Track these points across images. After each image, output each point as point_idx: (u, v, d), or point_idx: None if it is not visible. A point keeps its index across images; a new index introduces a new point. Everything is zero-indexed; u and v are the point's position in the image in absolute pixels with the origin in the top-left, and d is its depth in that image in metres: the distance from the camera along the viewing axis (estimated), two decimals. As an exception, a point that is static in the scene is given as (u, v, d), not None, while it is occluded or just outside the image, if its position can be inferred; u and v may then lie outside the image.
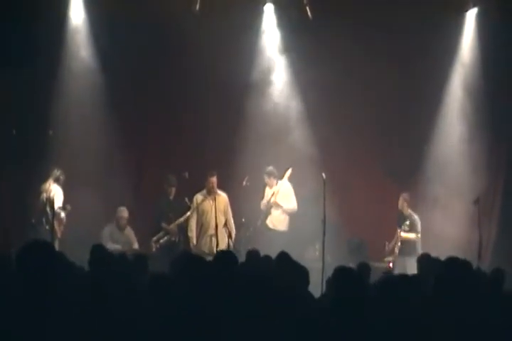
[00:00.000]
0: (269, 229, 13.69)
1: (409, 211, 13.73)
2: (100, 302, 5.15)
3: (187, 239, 13.31)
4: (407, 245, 13.30)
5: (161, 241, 13.50)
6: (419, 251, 12.78)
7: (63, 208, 12.98)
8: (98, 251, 8.69)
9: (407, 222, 13.49)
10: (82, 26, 14.08)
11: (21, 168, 13.57)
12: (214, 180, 13.12)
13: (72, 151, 13.34)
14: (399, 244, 13.41)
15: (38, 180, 13.39)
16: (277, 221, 13.77)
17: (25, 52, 13.19)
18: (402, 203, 13.71)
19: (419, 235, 13.51)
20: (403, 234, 13.45)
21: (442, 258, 8.56)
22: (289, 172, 13.64)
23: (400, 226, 13.53)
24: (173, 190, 13.68)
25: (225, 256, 6.76)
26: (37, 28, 13.16)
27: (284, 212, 13.75)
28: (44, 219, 13.03)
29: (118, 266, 7.78)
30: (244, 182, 13.53)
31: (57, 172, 13.21)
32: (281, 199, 13.73)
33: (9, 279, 4.60)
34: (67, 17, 14.01)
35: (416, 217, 13.68)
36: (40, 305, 4.13)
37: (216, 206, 12.77)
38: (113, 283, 5.70)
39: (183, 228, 13.54)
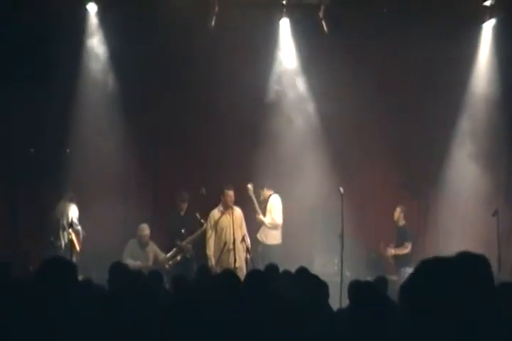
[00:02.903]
0: (260, 243, 13.64)
1: (404, 223, 13.85)
2: (116, 319, 5.13)
3: (205, 257, 13.08)
4: (400, 258, 13.44)
5: (177, 258, 13.44)
6: (413, 260, 13.04)
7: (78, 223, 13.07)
8: (117, 268, 8.71)
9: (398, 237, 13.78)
10: (98, 45, 14.10)
11: (39, 185, 13.64)
12: (231, 193, 12.92)
13: (90, 169, 13.35)
14: (390, 260, 13.57)
15: (55, 197, 13.44)
16: (264, 234, 13.69)
17: (42, 71, 13.28)
18: (399, 215, 13.76)
19: (410, 247, 13.59)
20: (393, 251, 13.59)
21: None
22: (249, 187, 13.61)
23: (395, 240, 13.72)
24: (185, 205, 13.64)
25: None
26: (53, 47, 13.25)
27: (266, 226, 13.72)
28: (61, 234, 13.11)
29: (135, 283, 7.79)
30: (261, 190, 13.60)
31: (70, 194, 13.29)
32: (267, 214, 13.73)
33: (27, 296, 4.60)
34: (85, 35, 14.04)
35: (408, 229, 13.84)
36: (56, 321, 4.12)
37: (234, 221, 12.68)
38: (131, 300, 5.69)
39: (197, 244, 13.49)
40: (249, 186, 13.54)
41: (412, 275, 2.48)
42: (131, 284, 7.51)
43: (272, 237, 13.64)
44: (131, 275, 8.32)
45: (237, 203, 13.12)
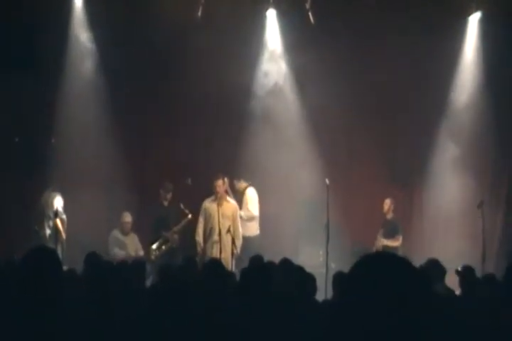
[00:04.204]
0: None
1: (393, 215, 13.90)
2: (98, 309, 5.12)
3: (194, 243, 13.13)
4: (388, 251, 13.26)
5: (162, 249, 13.45)
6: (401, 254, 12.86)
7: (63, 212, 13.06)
8: (92, 259, 8.71)
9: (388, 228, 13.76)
10: (84, 36, 14.07)
11: (24, 175, 13.58)
12: (219, 183, 12.97)
13: (75, 159, 13.30)
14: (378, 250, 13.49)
15: (40, 187, 13.40)
16: (243, 226, 13.60)
17: (28, 60, 13.23)
18: (389, 207, 13.79)
19: (401, 240, 13.68)
20: (385, 241, 13.62)
21: (446, 262, 8.64)
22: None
23: (383, 232, 13.70)
24: (169, 196, 13.66)
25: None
26: (40, 36, 13.20)
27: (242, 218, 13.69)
28: (46, 223, 13.11)
29: (116, 273, 7.77)
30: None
31: (55, 183, 13.27)
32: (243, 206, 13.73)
33: (11, 286, 4.59)
34: (71, 25, 14.00)
35: (398, 222, 13.88)
36: (39, 311, 4.11)
37: (221, 211, 12.71)
38: (110, 290, 5.69)
39: (182, 235, 13.53)
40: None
41: (354, 268, 2.52)
42: (107, 275, 7.49)
43: (250, 229, 13.63)
44: (107, 265, 8.29)
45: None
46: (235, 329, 5.06)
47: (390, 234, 13.70)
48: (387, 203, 13.85)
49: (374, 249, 13.55)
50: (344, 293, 2.49)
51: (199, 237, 13.11)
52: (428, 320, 2.39)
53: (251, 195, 13.76)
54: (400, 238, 13.68)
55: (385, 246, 13.51)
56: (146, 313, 5.13)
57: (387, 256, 2.53)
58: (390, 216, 13.89)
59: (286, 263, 8.29)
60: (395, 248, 13.43)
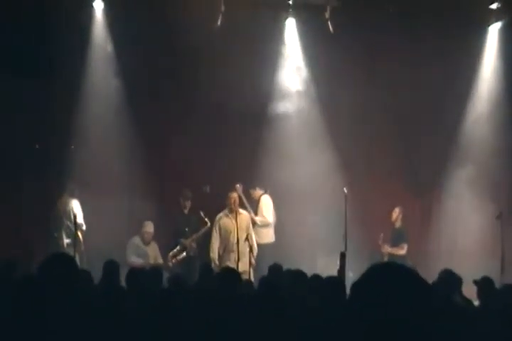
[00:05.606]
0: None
1: (401, 224, 13.93)
2: (115, 317, 5.13)
3: (209, 260, 12.89)
4: (395, 259, 13.11)
5: (179, 256, 13.45)
6: (408, 262, 12.82)
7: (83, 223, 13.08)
8: (110, 267, 8.71)
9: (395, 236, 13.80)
10: (104, 43, 14.12)
11: (43, 181, 13.63)
12: (234, 196, 12.94)
13: (94, 166, 13.33)
14: (385, 258, 13.45)
15: (59, 194, 13.45)
16: (257, 233, 13.46)
17: (48, 67, 13.29)
18: (397, 215, 13.79)
19: (406, 248, 13.67)
20: (389, 249, 13.64)
21: (465, 273, 8.60)
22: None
23: (391, 241, 13.72)
24: (188, 204, 13.67)
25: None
26: (60, 43, 13.24)
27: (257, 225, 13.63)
28: (64, 232, 13.12)
29: (133, 280, 7.77)
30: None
31: (71, 188, 13.29)
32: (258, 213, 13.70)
33: (31, 292, 4.60)
34: (91, 33, 14.07)
35: (405, 230, 13.90)
36: (55, 316, 4.12)
37: (238, 225, 12.65)
38: (126, 297, 5.69)
39: (201, 243, 13.51)
40: (238, 186, 13.51)
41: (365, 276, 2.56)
42: (125, 282, 7.50)
43: (265, 236, 13.61)
44: (126, 273, 8.29)
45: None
46: (250, 337, 5.07)
47: (395, 243, 13.70)
48: (396, 212, 13.89)
49: (384, 258, 13.56)
50: (351, 302, 2.52)
51: (214, 254, 12.98)
52: (431, 329, 2.41)
53: (266, 202, 13.76)
54: (405, 246, 13.68)
55: (390, 254, 13.51)
56: (159, 319, 5.13)
57: (394, 266, 2.56)
58: (398, 224, 13.91)
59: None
60: (401, 256, 13.43)
